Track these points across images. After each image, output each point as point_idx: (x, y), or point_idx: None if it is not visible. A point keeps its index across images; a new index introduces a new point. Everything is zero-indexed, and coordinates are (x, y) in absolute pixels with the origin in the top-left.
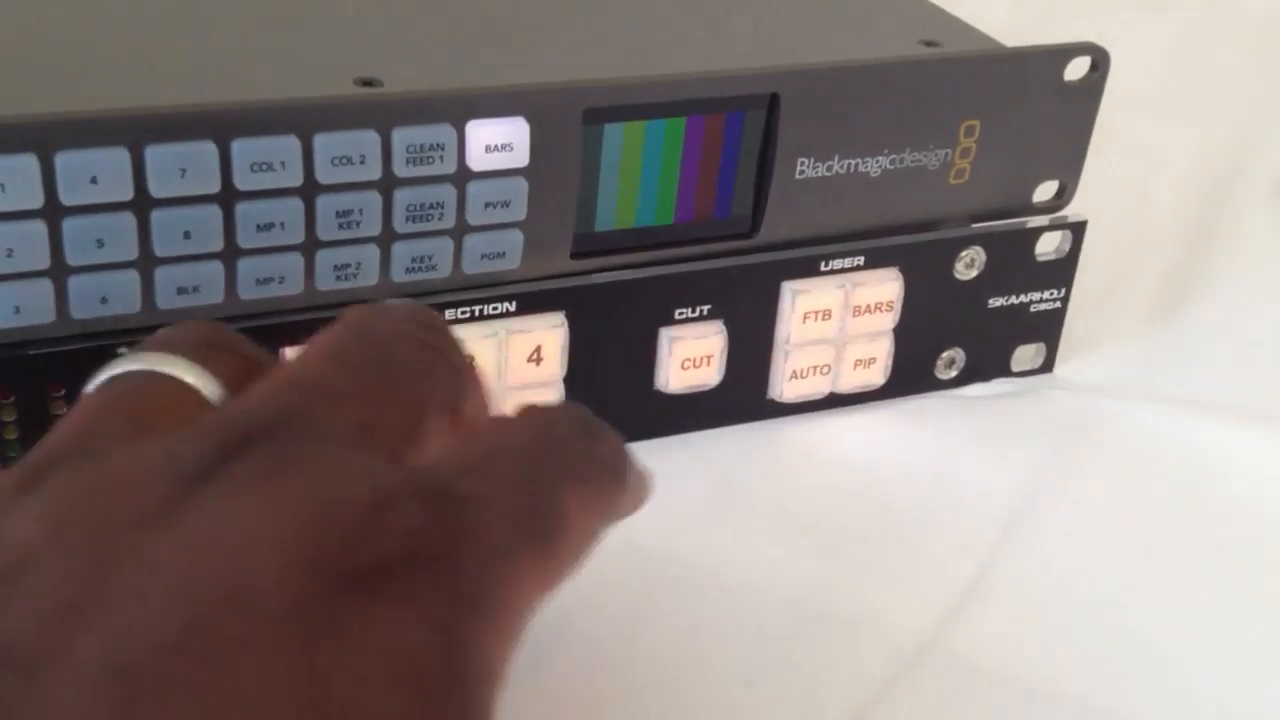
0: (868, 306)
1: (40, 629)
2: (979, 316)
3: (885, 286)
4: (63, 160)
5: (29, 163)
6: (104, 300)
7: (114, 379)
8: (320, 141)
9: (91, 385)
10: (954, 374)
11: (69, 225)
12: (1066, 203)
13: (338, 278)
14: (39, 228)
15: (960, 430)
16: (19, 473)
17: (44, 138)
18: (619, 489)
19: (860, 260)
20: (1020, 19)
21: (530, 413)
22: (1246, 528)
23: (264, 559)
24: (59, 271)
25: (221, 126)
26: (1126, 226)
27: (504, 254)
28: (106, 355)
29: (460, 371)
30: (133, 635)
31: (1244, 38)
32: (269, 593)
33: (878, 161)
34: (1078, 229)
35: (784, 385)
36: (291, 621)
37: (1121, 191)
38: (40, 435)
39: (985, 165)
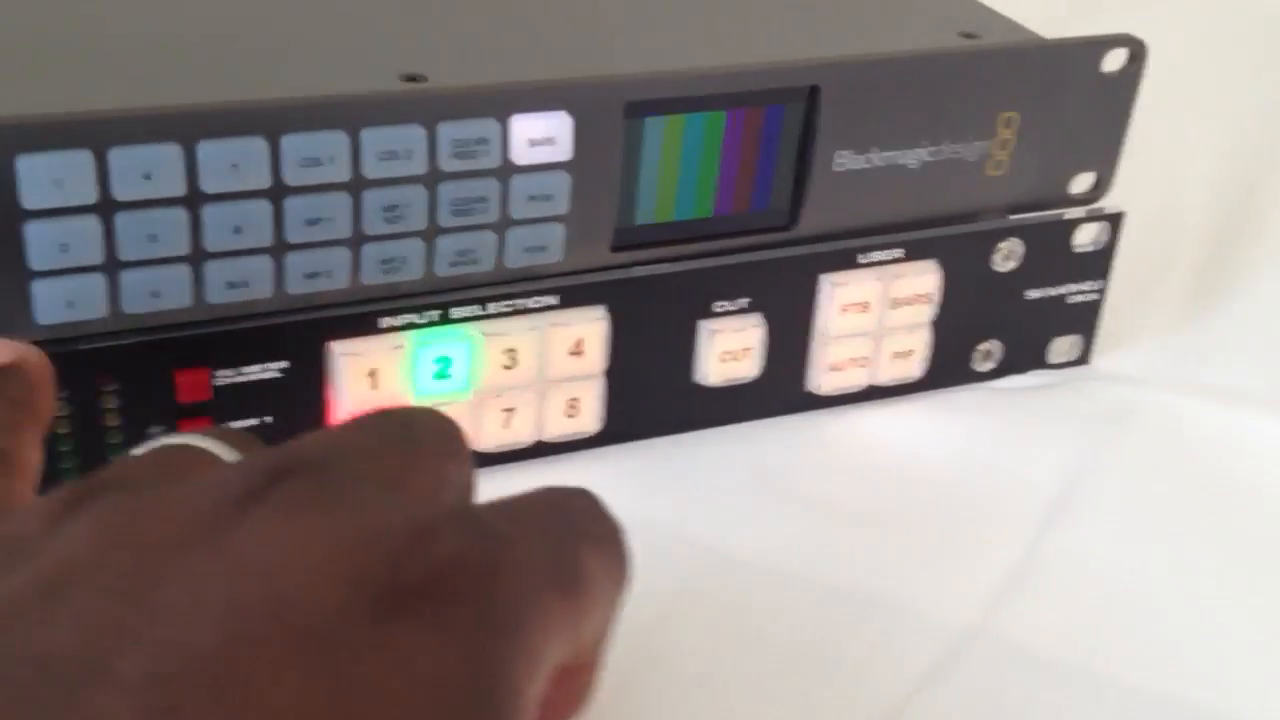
0: (906, 299)
1: (83, 641)
2: (1016, 308)
3: (923, 279)
4: (116, 156)
5: (83, 158)
6: (155, 295)
7: (156, 447)
8: (367, 136)
9: (133, 451)
10: (991, 366)
11: (122, 220)
12: (1104, 194)
13: (384, 271)
14: (93, 223)
15: (998, 421)
16: (67, 494)
17: (98, 134)
18: (627, 563)
19: (899, 253)
20: (1051, 10)
21: (544, 489)
22: None
23: (306, 578)
24: (112, 266)
25: (271, 122)
26: (1161, 218)
27: (546, 247)
28: (158, 349)
29: (471, 465)
30: (174, 648)
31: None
32: (310, 610)
33: (916, 154)
34: (1115, 220)
35: (823, 377)
36: (331, 639)
37: (1156, 183)
38: (91, 430)
39: (1023, 157)
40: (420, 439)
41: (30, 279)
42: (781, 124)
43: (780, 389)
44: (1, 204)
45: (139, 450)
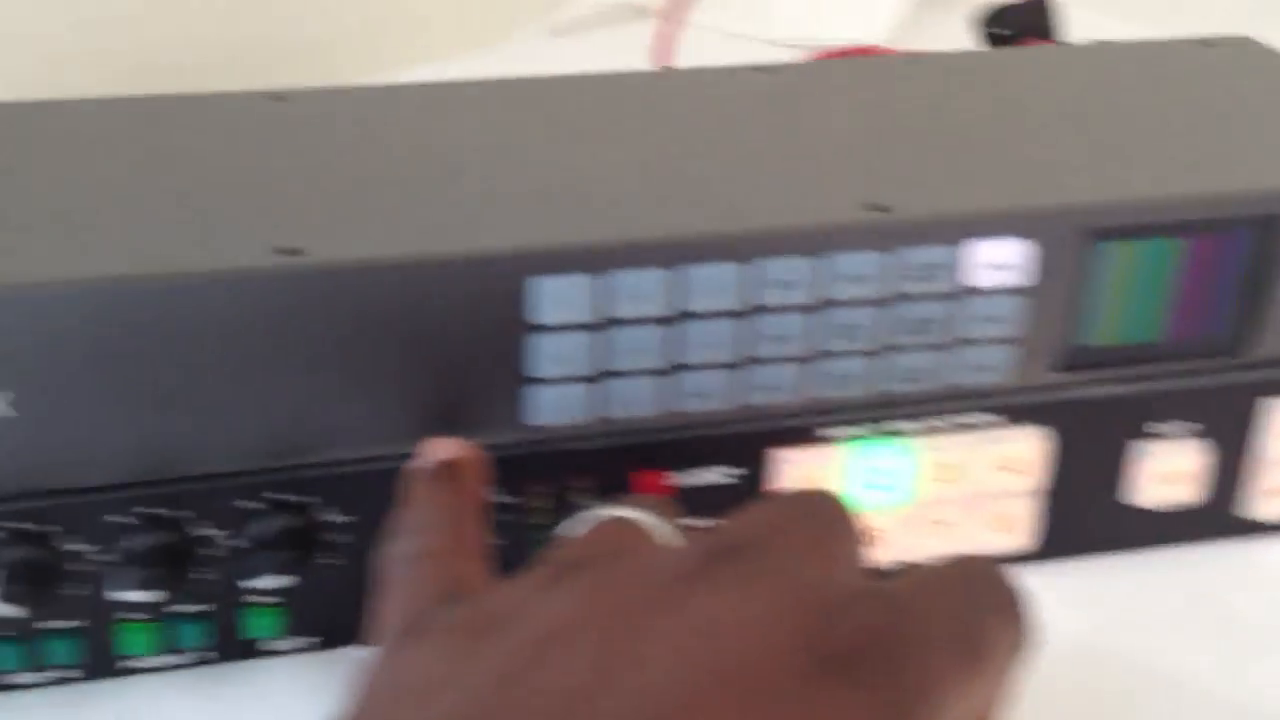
0: None
1: (576, 684)
2: None
3: None
4: (610, 280)
5: (583, 282)
6: (626, 403)
7: (596, 523)
8: (830, 263)
9: (574, 528)
10: None
11: (610, 337)
12: None
13: (831, 385)
14: (585, 338)
15: None
16: (542, 573)
17: (596, 261)
18: (1028, 629)
19: None
20: None
21: (952, 559)
22: None
23: (754, 640)
24: (596, 377)
25: (745, 250)
26: None
27: (994, 368)
28: (621, 451)
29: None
30: (649, 694)
31: None
32: (759, 667)
33: None
34: None
35: (1262, 502)
36: (777, 692)
37: None
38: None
39: None
40: (823, 519)
41: (524, 384)
42: (1240, 252)
43: (1218, 513)
44: (509, 318)
45: (581, 527)
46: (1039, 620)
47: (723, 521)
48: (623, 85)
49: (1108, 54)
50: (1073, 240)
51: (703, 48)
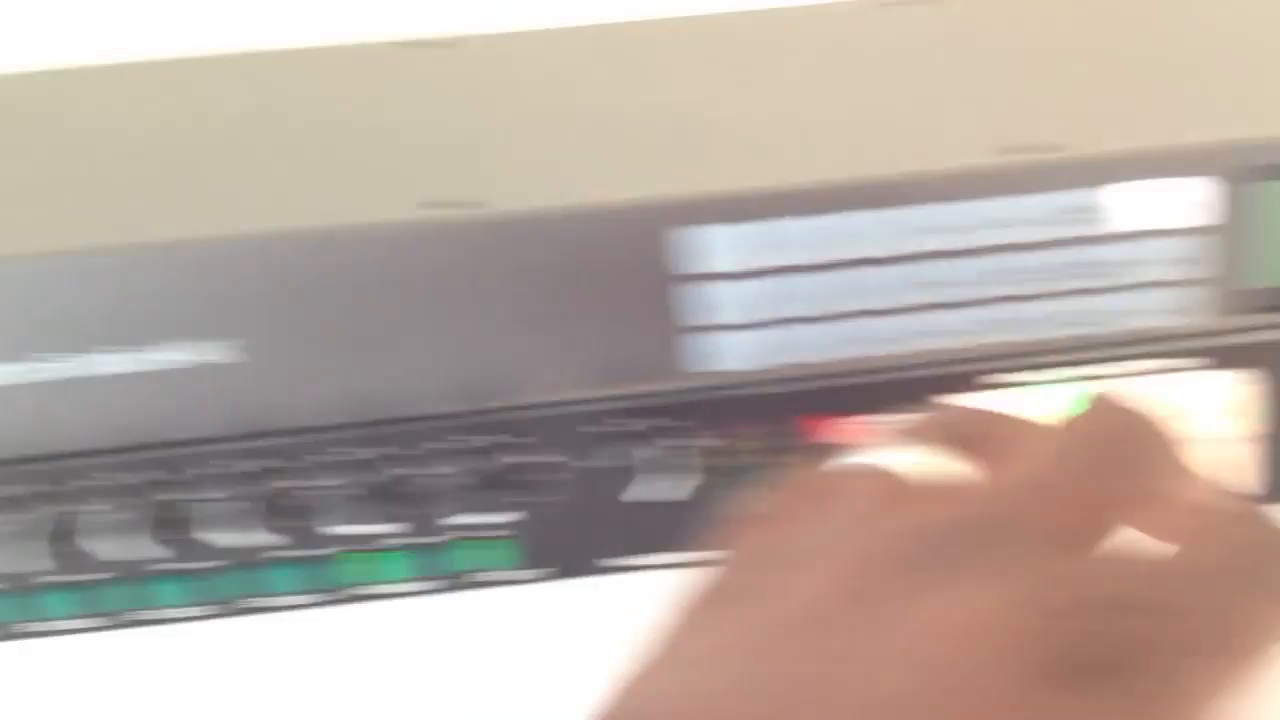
0: None
1: (813, 667)
2: None
3: None
4: (764, 229)
5: (742, 230)
6: (783, 349)
7: (867, 469)
8: (989, 206)
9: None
10: None
11: (765, 284)
12: None
13: (1008, 331)
14: (740, 286)
15: None
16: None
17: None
18: None
19: None
20: None
21: (1226, 525)
22: None
23: (981, 645)
24: (754, 324)
25: (901, 195)
26: None
27: (1183, 309)
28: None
29: (1163, 466)
30: (872, 681)
31: None
32: (987, 675)
33: None
34: None
35: None
36: (1004, 702)
37: None
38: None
39: None
40: (1106, 468)
41: (699, 331)
42: None
43: None
44: (671, 266)
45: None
46: None
47: (988, 483)
48: (772, 22)
49: None
50: (1250, 178)
51: None
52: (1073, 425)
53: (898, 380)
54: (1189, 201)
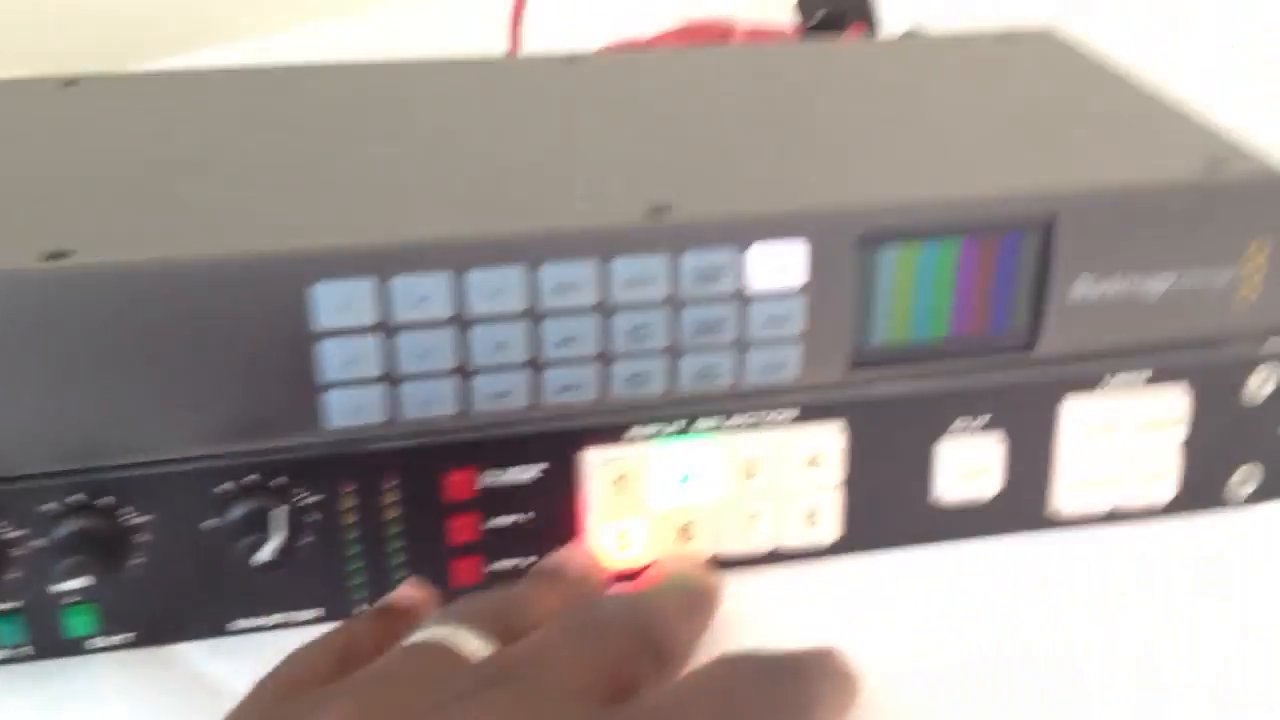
0: (1152, 422)
1: None
2: (1275, 434)
3: (1171, 403)
4: (396, 284)
5: (368, 286)
6: (428, 404)
7: (419, 641)
8: (616, 265)
9: (406, 639)
10: (1249, 491)
11: (400, 340)
12: None
13: (630, 385)
14: (375, 342)
15: (1244, 553)
16: (323, 672)
17: (382, 263)
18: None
19: (1145, 375)
20: None
21: (718, 667)
22: None
23: None
24: (392, 379)
25: (530, 253)
26: None
27: (783, 366)
28: (429, 451)
29: (662, 642)
30: None
31: None
32: None
33: (1159, 280)
34: None
35: (1065, 498)
36: None
37: None
38: (373, 522)
39: (1277, 283)
40: (611, 643)
41: (322, 390)
42: (1018, 252)
43: (1021, 508)
44: (299, 325)
45: (408, 641)
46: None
47: (519, 644)
48: (419, 74)
49: (911, 48)
50: (848, 242)
51: (566, 9)
52: (575, 612)
53: (535, 434)
54: (789, 264)
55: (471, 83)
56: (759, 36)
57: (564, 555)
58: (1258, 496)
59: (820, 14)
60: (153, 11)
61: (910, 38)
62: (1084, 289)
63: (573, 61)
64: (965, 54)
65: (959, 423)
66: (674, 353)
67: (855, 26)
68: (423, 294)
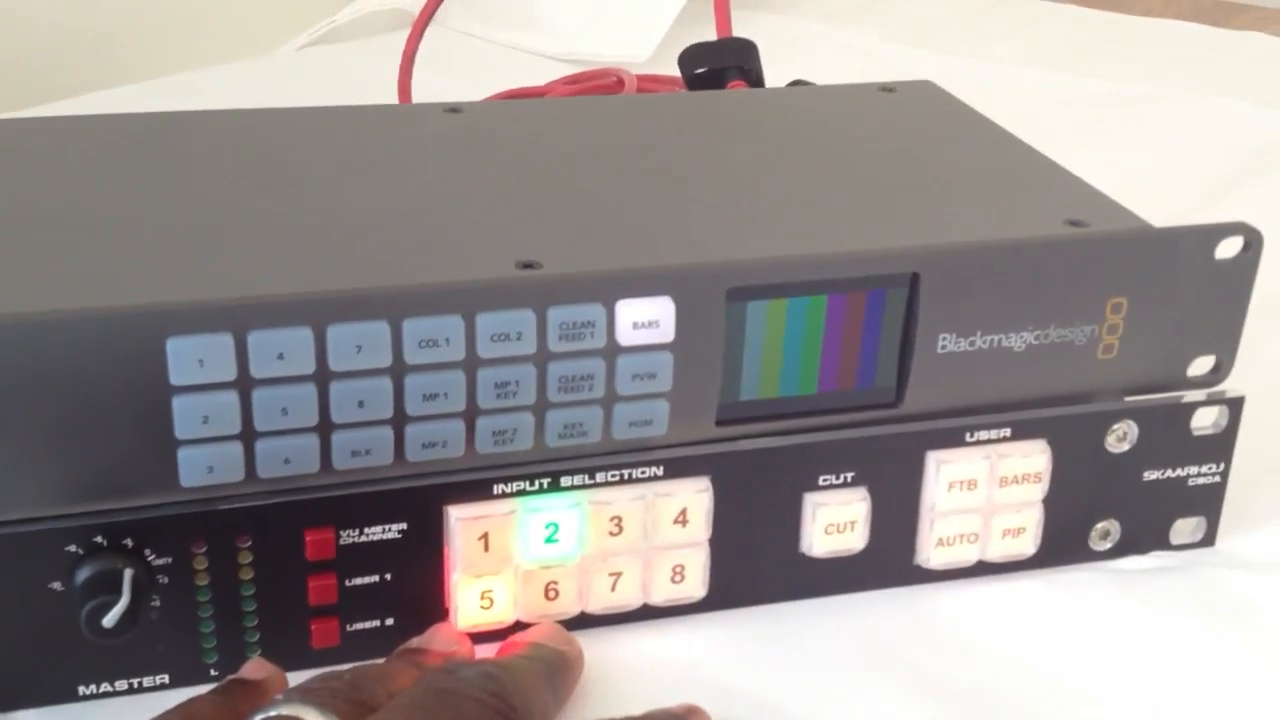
0: (1015, 477)
1: None
2: (1134, 489)
3: (1032, 458)
4: (254, 339)
5: (225, 341)
6: (287, 461)
7: (271, 716)
8: (481, 321)
9: (253, 717)
10: (1109, 545)
11: (257, 396)
12: (1223, 377)
13: (496, 441)
14: (231, 398)
15: (1111, 605)
16: None
17: (238, 319)
18: None
19: (1006, 432)
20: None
21: None
22: None
23: None
24: (249, 436)
25: (394, 308)
26: None
27: (651, 422)
28: (288, 509)
29: (519, 710)
30: None
31: None
32: None
33: (1022, 337)
34: (1235, 405)
35: (930, 552)
36: None
37: None
38: (228, 582)
39: (1135, 341)
40: (469, 708)
41: (176, 447)
42: (883, 308)
43: (889, 562)
44: (152, 381)
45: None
46: None
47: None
48: (293, 122)
49: (793, 98)
50: (714, 299)
51: (469, 57)
52: (421, 687)
53: (397, 491)
54: (654, 320)
55: (346, 132)
56: (650, 86)
57: (428, 634)
58: (1117, 551)
59: (700, 71)
60: (49, 52)
61: (792, 91)
62: (948, 345)
63: (454, 111)
64: (846, 105)
65: (825, 478)
66: (540, 409)
67: (734, 84)
68: (281, 349)
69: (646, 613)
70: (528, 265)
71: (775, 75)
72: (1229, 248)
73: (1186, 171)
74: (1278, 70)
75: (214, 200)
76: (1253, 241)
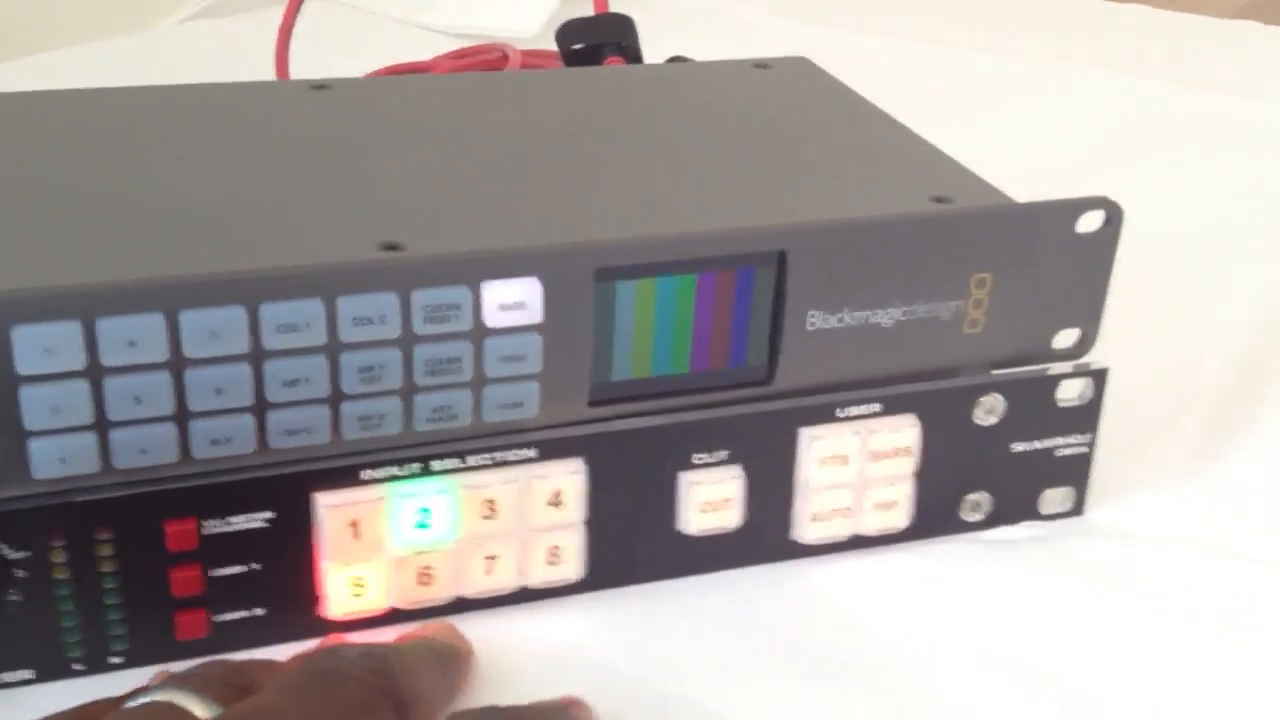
0: (885, 451)
1: None
2: (1003, 461)
3: (902, 433)
4: (104, 326)
5: (73, 329)
6: (144, 451)
7: (146, 702)
8: (343, 304)
9: (130, 703)
10: (980, 517)
11: (110, 384)
12: (1088, 350)
13: (364, 427)
14: (82, 387)
15: (984, 574)
16: None
17: (87, 305)
18: None
19: (876, 407)
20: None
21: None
22: None
23: None
24: (102, 426)
25: (251, 292)
26: (1169, 373)
27: (521, 404)
28: (148, 500)
29: (403, 693)
30: None
31: None
32: None
33: (889, 313)
34: (1099, 376)
35: (806, 527)
36: None
37: (1164, 338)
38: (88, 576)
39: (1000, 315)
40: (344, 699)
41: (27, 438)
42: (752, 286)
43: (764, 538)
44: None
45: (139, 701)
46: None
47: (243, 709)
48: (153, 101)
49: (666, 77)
50: (583, 279)
51: (357, 32)
52: (305, 668)
53: (262, 479)
54: (522, 301)
55: (206, 111)
56: (535, 62)
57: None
58: (987, 523)
59: (577, 47)
60: None
61: (669, 67)
62: (817, 322)
63: (321, 88)
64: (719, 82)
65: (700, 456)
66: (408, 392)
67: (611, 60)
68: (132, 337)
69: (525, 595)
70: (390, 247)
71: (662, 50)
72: (1090, 221)
73: (1065, 147)
74: (1158, 43)
75: (63, 183)
76: (1113, 215)
